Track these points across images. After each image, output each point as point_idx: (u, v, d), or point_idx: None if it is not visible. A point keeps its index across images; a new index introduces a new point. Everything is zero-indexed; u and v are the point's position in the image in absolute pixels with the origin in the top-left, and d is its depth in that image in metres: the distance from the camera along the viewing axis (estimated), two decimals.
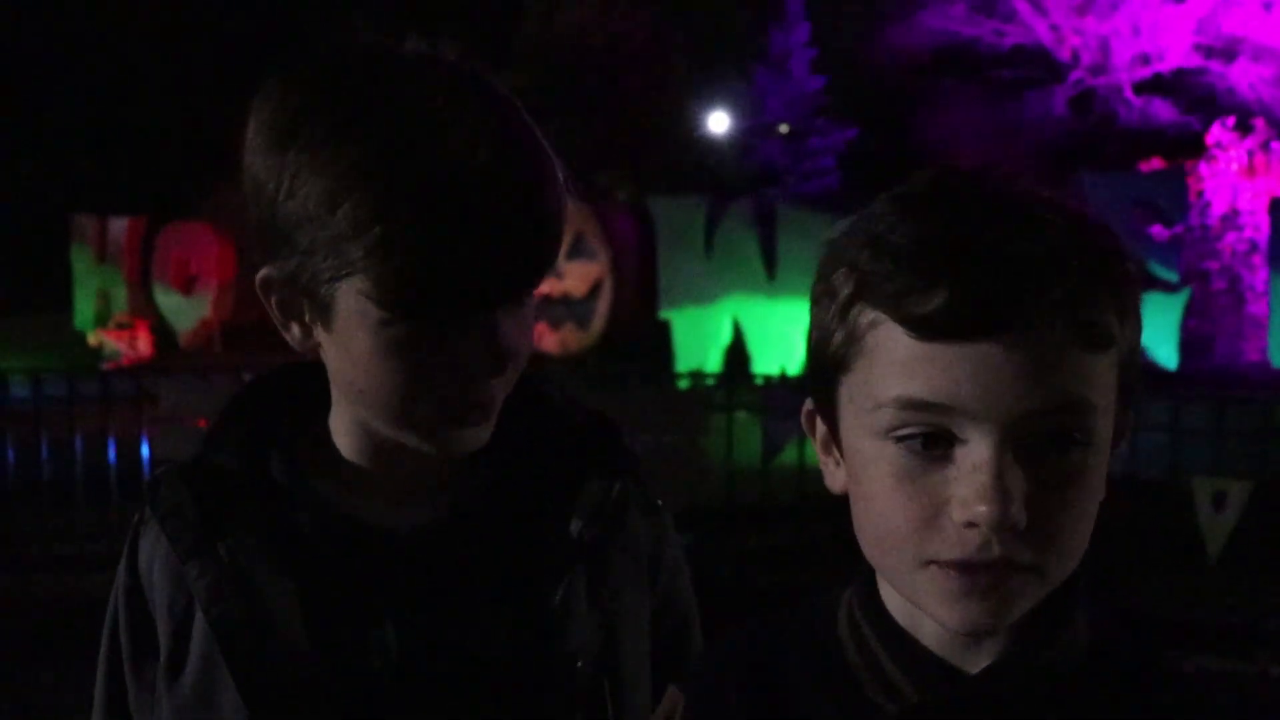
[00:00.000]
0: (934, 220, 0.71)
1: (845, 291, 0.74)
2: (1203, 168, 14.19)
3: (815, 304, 0.78)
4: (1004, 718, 0.76)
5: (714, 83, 19.68)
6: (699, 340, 10.87)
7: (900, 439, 0.72)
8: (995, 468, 0.69)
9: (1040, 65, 18.66)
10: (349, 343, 0.91)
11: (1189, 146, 15.56)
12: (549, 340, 11.74)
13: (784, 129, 18.43)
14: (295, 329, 0.95)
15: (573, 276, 11.62)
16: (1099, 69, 18.36)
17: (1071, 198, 0.75)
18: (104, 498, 6.70)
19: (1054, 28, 18.43)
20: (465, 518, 0.99)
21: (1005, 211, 0.71)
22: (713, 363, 10.77)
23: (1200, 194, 13.85)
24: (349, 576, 0.96)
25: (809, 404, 0.83)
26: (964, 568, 0.71)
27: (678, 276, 11.06)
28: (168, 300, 15.50)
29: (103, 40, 22.53)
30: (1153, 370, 10.37)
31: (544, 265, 0.92)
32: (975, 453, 0.70)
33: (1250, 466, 7.14)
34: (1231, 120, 14.83)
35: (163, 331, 15.59)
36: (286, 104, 0.89)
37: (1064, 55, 18.56)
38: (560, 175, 0.93)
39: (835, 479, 0.81)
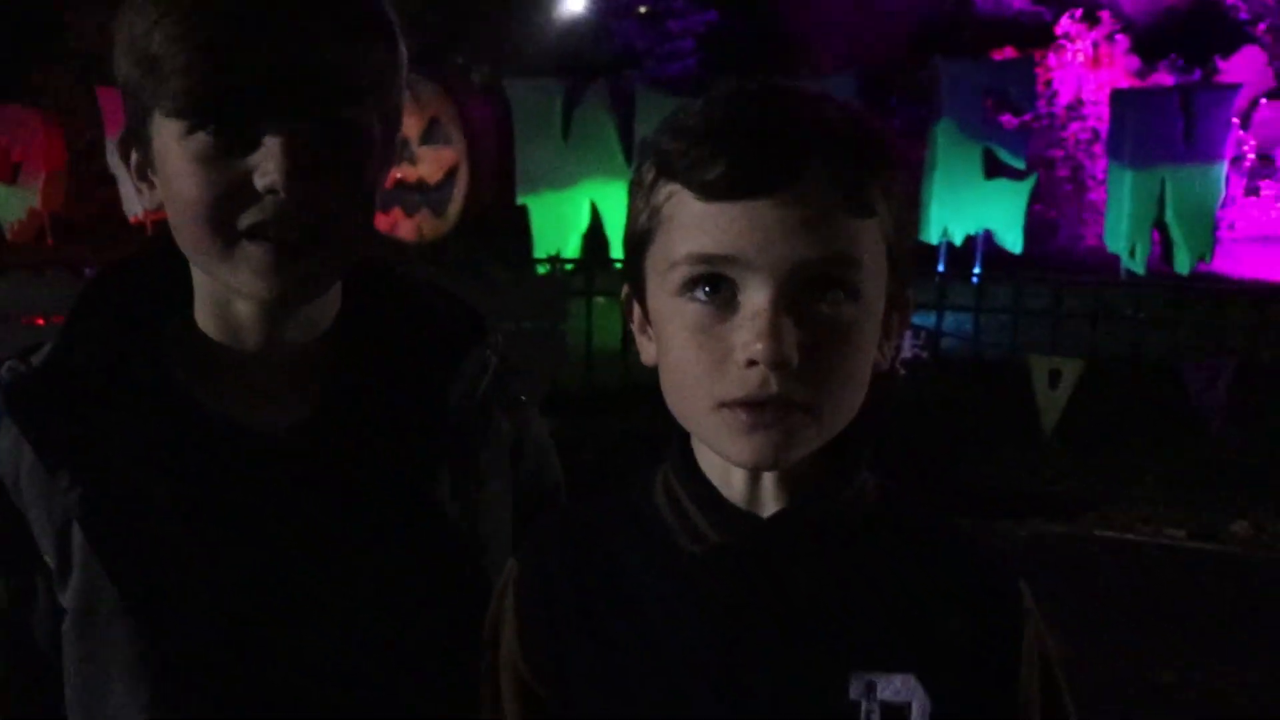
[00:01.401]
0: (724, 106, 0.83)
1: (649, 175, 0.86)
2: (1050, 58, 14.55)
3: (630, 197, 0.89)
4: (794, 555, 0.88)
5: None
6: (557, 225, 10.75)
7: (692, 291, 0.82)
8: (771, 313, 0.79)
9: None
10: (166, 172, 0.91)
11: (1040, 36, 15.90)
12: (404, 227, 11.48)
13: (642, 10, 18.09)
14: (144, 189, 0.96)
15: (427, 162, 11.34)
16: None
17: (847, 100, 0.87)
18: None
19: None
20: (335, 414, 0.99)
21: (782, 99, 0.83)
22: (571, 248, 10.69)
23: (1048, 83, 14.23)
24: (223, 479, 0.95)
25: (625, 288, 0.92)
26: (749, 406, 0.81)
27: (535, 161, 10.86)
28: None
29: None
30: (998, 254, 10.71)
31: (344, 82, 0.90)
32: (754, 300, 0.80)
33: (1083, 347, 7.50)
34: (1079, 12, 15.19)
35: None
36: None
37: None
38: (389, 15, 0.94)
39: (648, 353, 0.91)
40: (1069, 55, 14.71)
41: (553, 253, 10.17)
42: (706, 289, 0.82)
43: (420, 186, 11.33)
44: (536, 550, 0.96)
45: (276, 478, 0.96)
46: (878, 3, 18.41)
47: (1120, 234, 10.90)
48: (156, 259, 1.03)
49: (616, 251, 10.45)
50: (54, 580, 0.96)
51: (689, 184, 0.81)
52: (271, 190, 0.88)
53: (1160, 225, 10.96)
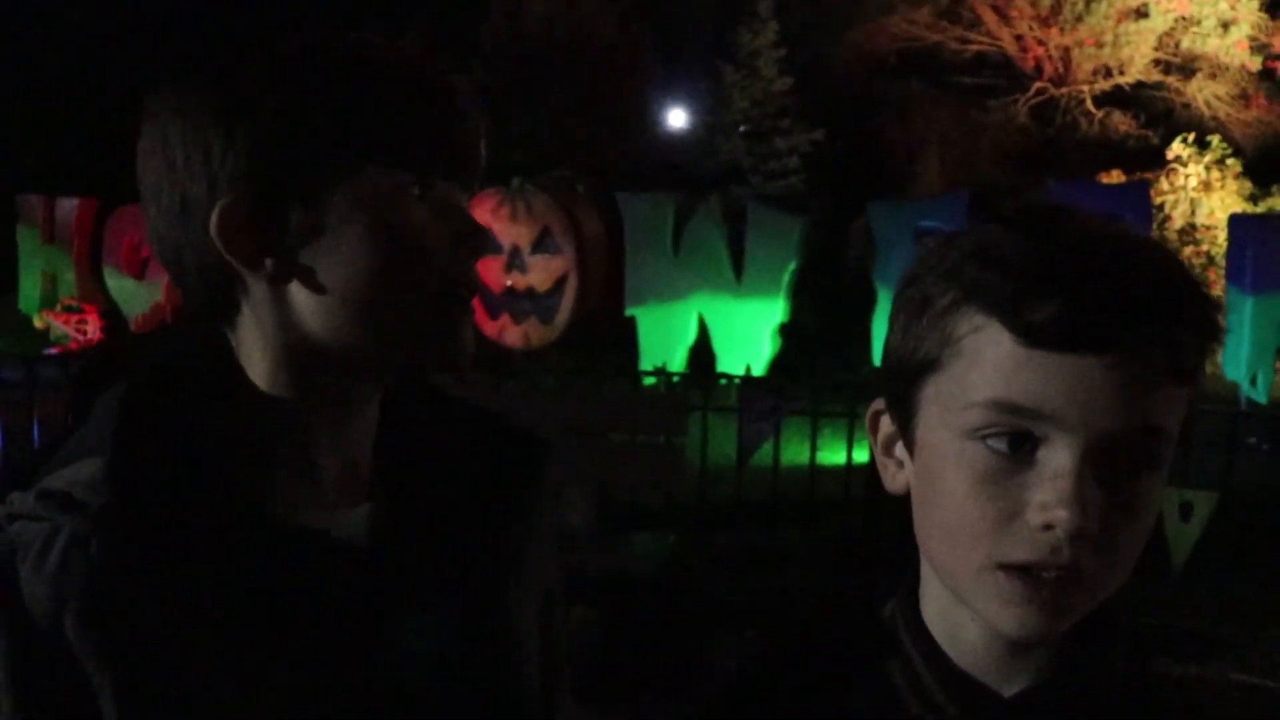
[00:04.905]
0: (1048, 238, 0.76)
1: (944, 300, 0.79)
2: (1162, 182, 14.41)
3: (901, 311, 0.83)
4: None
5: (679, 80, 19.64)
6: (664, 338, 10.81)
7: (986, 438, 0.76)
8: (1077, 477, 0.73)
9: (1003, 73, 18.83)
10: (348, 239, 0.87)
11: (1146, 159, 15.80)
12: (511, 334, 11.63)
13: (743, 129, 18.38)
14: (268, 262, 0.87)
15: (537, 270, 11.51)
16: (1061, 80, 18.54)
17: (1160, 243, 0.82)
18: None
19: (1018, 37, 18.60)
20: (401, 522, 0.95)
21: (1117, 240, 0.77)
22: (678, 361, 10.73)
23: (1161, 206, 14.07)
24: (298, 591, 0.88)
25: (878, 404, 0.87)
26: (1029, 574, 0.75)
27: (644, 274, 10.97)
28: (119, 284, 15.16)
29: (52, 18, 22.02)
30: None
31: (480, 154, 0.95)
32: (1059, 460, 0.74)
33: (1212, 478, 7.24)
34: (1190, 136, 15.07)
35: (113, 316, 15.27)
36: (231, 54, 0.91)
37: (1027, 65, 18.74)
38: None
39: (896, 480, 0.86)
40: (1181, 179, 14.55)
41: (659, 365, 10.20)
42: (1005, 440, 0.75)
43: (530, 294, 11.50)
44: (748, 681, 0.94)
45: (351, 588, 0.91)
46: (982, 122, 18.50)
47: (1240, 361, 10.60)
48: (191, 351, 0.95)
49: (723, 365, 10.47)
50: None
51: (1010, 324, 0.75)
52: (462, 253, 0.94)
53: None
